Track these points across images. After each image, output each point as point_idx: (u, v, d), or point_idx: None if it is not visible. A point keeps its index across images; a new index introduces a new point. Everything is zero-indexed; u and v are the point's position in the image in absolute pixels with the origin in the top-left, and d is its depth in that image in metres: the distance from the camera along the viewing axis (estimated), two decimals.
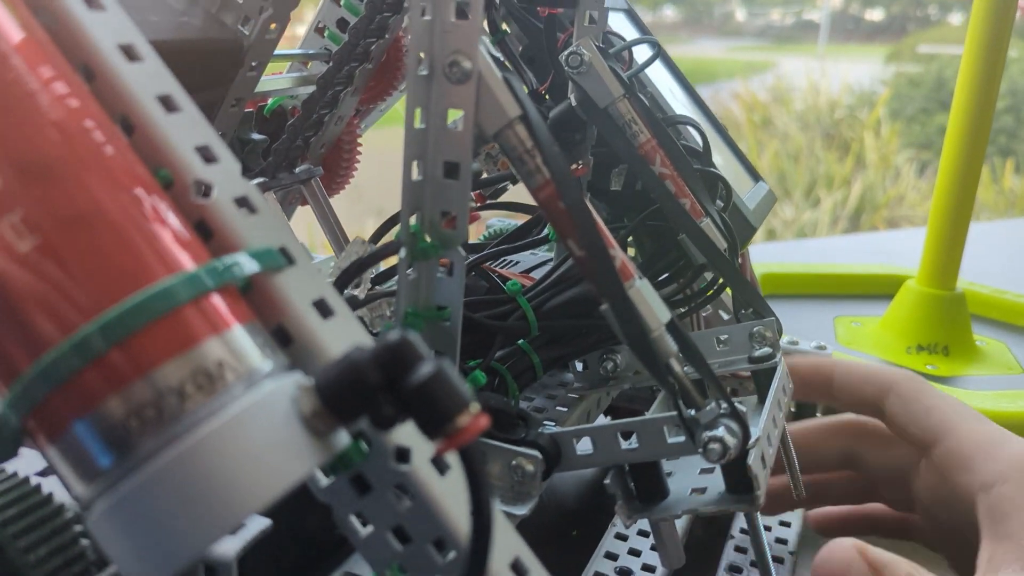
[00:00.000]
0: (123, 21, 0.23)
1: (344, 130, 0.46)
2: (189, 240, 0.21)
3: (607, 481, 0.32)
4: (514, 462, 0.32)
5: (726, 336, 0.40)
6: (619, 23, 0.52)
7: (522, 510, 0.31)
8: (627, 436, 0.32)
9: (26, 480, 0.27)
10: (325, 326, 0.23)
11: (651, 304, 0.29)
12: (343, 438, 0.21)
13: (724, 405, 0.29)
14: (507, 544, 0.23)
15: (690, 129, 0.44)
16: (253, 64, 0.36)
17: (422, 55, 0.28)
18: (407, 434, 0.23)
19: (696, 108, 0.53)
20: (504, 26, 0.45)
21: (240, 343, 0.20)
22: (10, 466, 0.27)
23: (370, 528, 0.24)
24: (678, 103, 0.51)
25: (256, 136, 0.41)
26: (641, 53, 0.45)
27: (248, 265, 0.22)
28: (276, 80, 0.41)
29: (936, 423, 0.39)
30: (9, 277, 0.19)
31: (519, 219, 0.52)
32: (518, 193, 0.41)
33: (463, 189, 0.30)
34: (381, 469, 0.23)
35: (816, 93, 4.26)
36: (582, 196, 0.28)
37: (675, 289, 0.44)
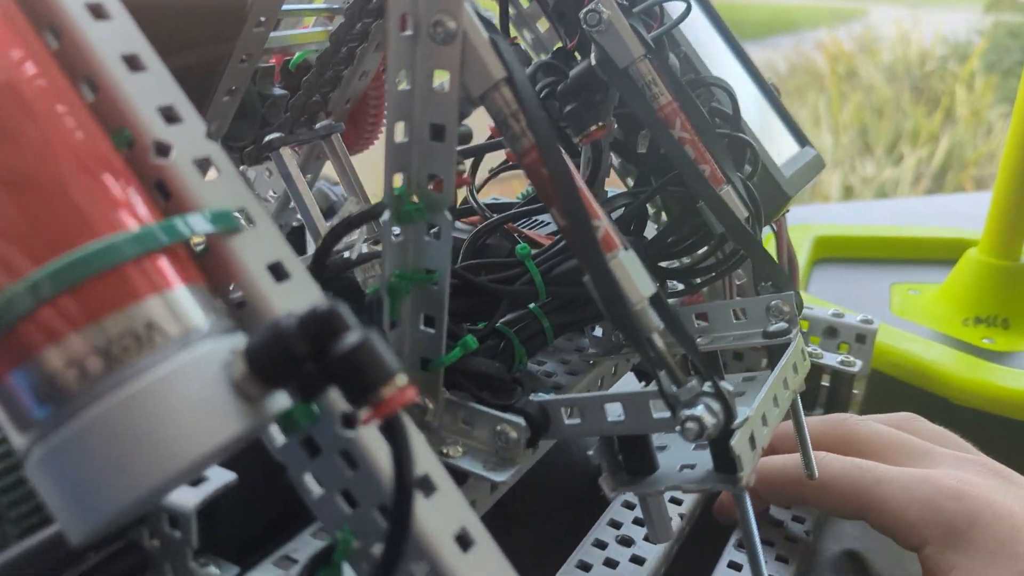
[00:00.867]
0: None
1: (371, 86, 0.46)
2: (140, 200, 0.21)
3: (590, 452, 0.31)
4: (499, 428, 0.32)
5: (743, 308, 0.39)
6: None
7: (502, 476, 0.31)
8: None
9: None
10: (278, 289, 0.23)
11: (633, 277, 0.28)
12: (281, 401, 0.21)
13: (708, 383, 0.28)
14: (453, 514, 0.23)
15: (721, 91, 0.42)
16: (261, 19, 0.36)
17: (406, 15, 0.28)
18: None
19: (742, 67, 0.51)
20: None
21: (180, 303, 0.20)
22: None
23: (322, 490, 0.24)
24: (719, 62, 0.49)
25: (277, 91, 0.41)
26: (675, 10, 0.43)
27: (200, 226, 0.22)
28: (297, 34, 0.41)
29: (855, 507, 0.39)
30: None
31: None
32: None
33: (449, 152, 0.29)
34: (329, 433, 0.23)
35: (906, 43, 4.01)
36: (566, 163, 0.28)
37: (700, 256, 0.42)
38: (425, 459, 0.23)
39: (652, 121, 0.38)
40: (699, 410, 0.28)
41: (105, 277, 0.19)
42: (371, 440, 0.23)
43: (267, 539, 0.33)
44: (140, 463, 0.18)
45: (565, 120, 0.41)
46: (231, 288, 0.23)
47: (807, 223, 0.87)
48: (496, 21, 0.29)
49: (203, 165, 0.23)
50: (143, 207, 0.21)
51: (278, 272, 0.23)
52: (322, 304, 0.20)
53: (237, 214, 0.23)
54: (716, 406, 0.28)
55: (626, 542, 0.40)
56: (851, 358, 0.50)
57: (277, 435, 0.24)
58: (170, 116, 0.23)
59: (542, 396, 0.33)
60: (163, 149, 0.23)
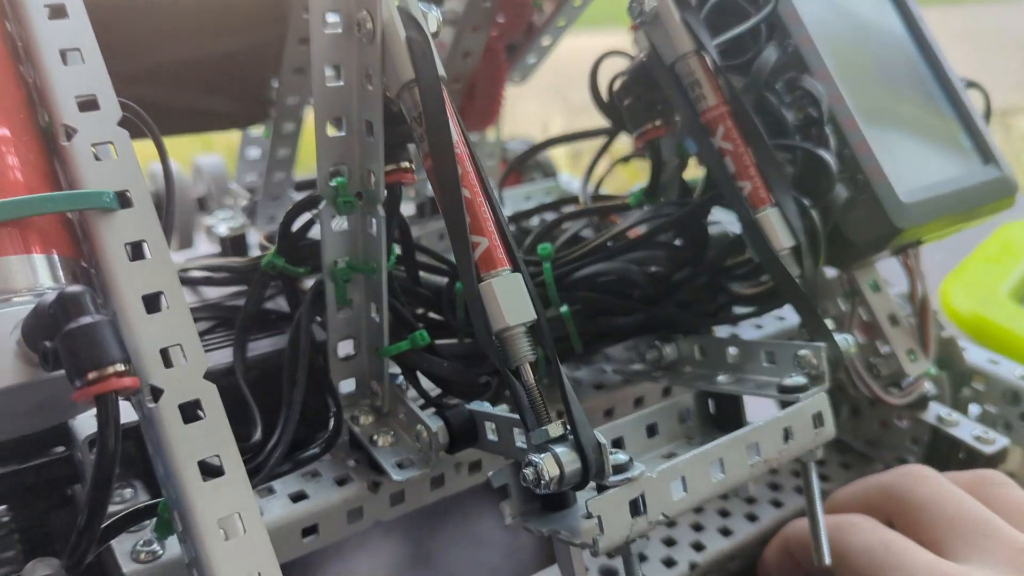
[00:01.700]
0: None
1: (482, 69, 0.46)
2: (29, 172, 0.25)
3: (490, 474, 0.30)
4: (418, 427, 0.32)
5: (771, 352, 0.34)
6: None
7: (400, 475, 0.31)
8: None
9: None
10: (130, 267, 0.26)
11: (503, 302, 0.26)
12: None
13: (571, 432, 0.26)
14: (228, 500, 0.24)
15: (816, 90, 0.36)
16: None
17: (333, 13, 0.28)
18: (164, 376, 0.25)
19: (923, 60, 0.42)
20: None
21: (3, 268, 0.24)
22: None
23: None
24: (887, 56, 0.41)
25: None
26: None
27: (65, 203, 0.25)
28: None
29: None
30: None
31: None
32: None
33: (378, 147, 0.29)
34: (142, 399, 0.25)
35: None
36: (456, 176, 0.26)
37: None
38: (216, 444, 0.25)
39: (691, 124, 0.34)
40: (540, 457, 0.25)
41: None
42: (170, 416, 0.24)
43: None
44: None
45: (625, 115, 0.38)
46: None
47: None
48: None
49: (101, 150, 0.26)
50: (38, 179, 0.25)
51: (136, 251, 0.26)
52: (71, 289, 0.22)
53: (111, 196, 0.26)
54: (568, 456, 0.25)
55: None
56: (991, 434, 0.39)
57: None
58: (84, 105, 0.27)
59: (479, 406, 0.32)
60: (69, 133, 0.26)
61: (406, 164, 0.30)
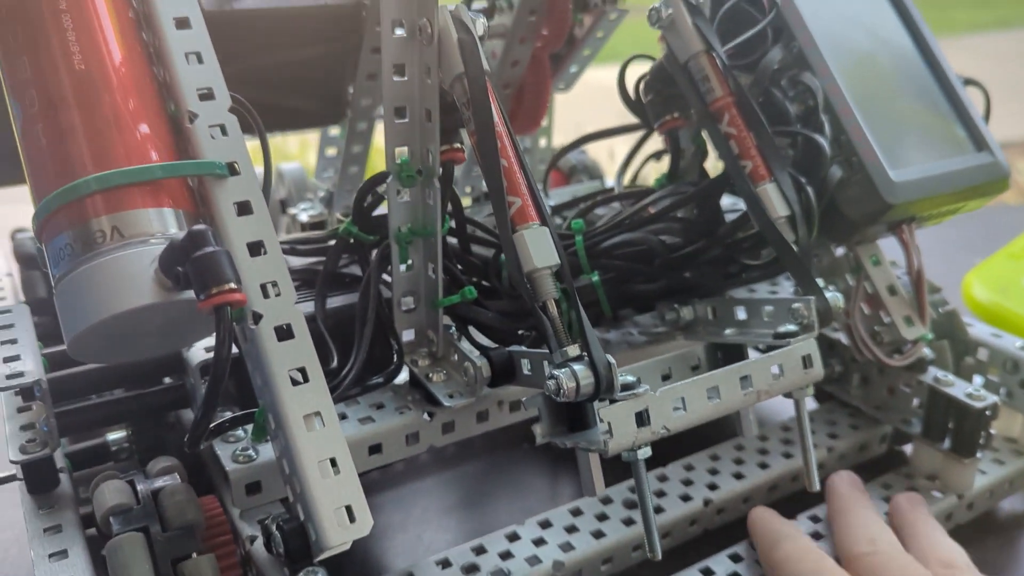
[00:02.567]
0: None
1: (529, 75, 0.52)
2: (168, 147, 0.33)
3: (524, 400, 0.35)
4: (466, 363, 0.38)
5: (770, 308, 0.39)
6: None
7: (451, 403, 0.37)
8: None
9: None
10: (237, 221, 0.32)
11: (532, 249, 0.32)
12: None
13: (585, 352, 0.31)
14: (312, 400, 0.31)
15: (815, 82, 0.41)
16: None
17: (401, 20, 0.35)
18: (263, 304, 0.32)
19: (920, 57, 0.47)
20: None
21: (143, 217, 0.31)
22: None
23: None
24: (889, 52, 0.46)
25: None
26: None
27: (189, 169, 0.32)
28: None
29: None
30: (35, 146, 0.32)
31: None
32: None
33: (435, 131, 0.36)
34: (246, 325, 0.32)
35: None
36: (495, 147, 0.32)
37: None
38: (302, 359, 0.31)
39: (701, 113, 0.40)
40: (562, 372, 0.31)
41: (115, 190, 0.31)
42: (267, 336, 0.31)
43: None
44: (96, 304, 0.30)
45: (648, 109, 0.44)
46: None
47: None
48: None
49: (219, 130, 0.33)
50: (167, 152, 0.32)
51: (243, 208, 0.33)
52: (197, 227, 0.29)
53: (223, 166, 0.33)
54: (584, 372, 0.31)
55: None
56: (983, 391, 0.43)
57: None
58: (204, 95, 0.34)
59: (516, 348, 0.38)
60: (192, 117, 0.34)
61: (458, 145, 0.37)
